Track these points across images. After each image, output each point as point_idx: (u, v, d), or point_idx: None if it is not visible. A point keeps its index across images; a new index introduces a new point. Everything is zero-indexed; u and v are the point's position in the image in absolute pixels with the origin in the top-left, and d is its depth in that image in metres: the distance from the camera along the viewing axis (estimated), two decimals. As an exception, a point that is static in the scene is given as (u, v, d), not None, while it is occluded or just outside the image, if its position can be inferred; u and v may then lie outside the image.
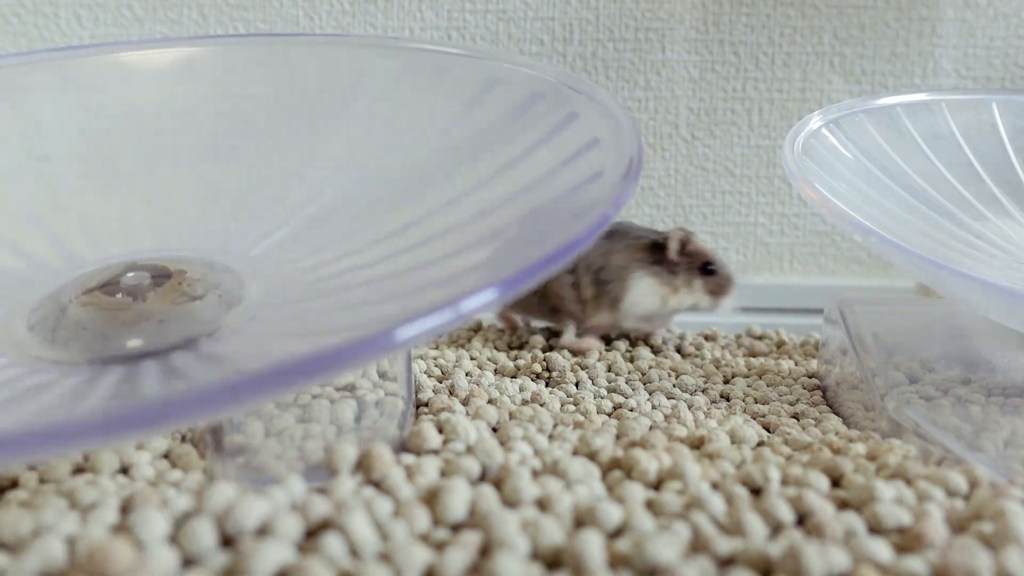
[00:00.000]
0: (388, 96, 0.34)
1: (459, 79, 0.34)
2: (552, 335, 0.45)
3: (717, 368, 0.41)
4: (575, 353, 0.42)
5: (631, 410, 0.33)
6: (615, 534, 0.21)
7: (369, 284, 0.27)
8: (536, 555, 0.20)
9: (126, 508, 0.22)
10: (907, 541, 0.21)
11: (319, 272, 0.28)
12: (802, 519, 0.22)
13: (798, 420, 0.34)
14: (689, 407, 0.34)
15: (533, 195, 0.27)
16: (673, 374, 0.39)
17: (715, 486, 0.24)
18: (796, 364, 0.42)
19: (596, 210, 0.22)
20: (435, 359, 0.39)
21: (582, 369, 0.39)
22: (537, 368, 0.39)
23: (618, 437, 0.29)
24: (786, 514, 0.22)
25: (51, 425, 0.16)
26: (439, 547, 0.20)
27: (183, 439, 0.27)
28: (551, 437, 0.28)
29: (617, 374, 0.39)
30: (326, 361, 0.17)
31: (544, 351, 0.43)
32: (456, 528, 0.21)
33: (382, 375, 0.29)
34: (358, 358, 0.18)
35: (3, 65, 0.34)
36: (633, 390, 0.36)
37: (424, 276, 0.26)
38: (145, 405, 0.16)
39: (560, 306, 0.44)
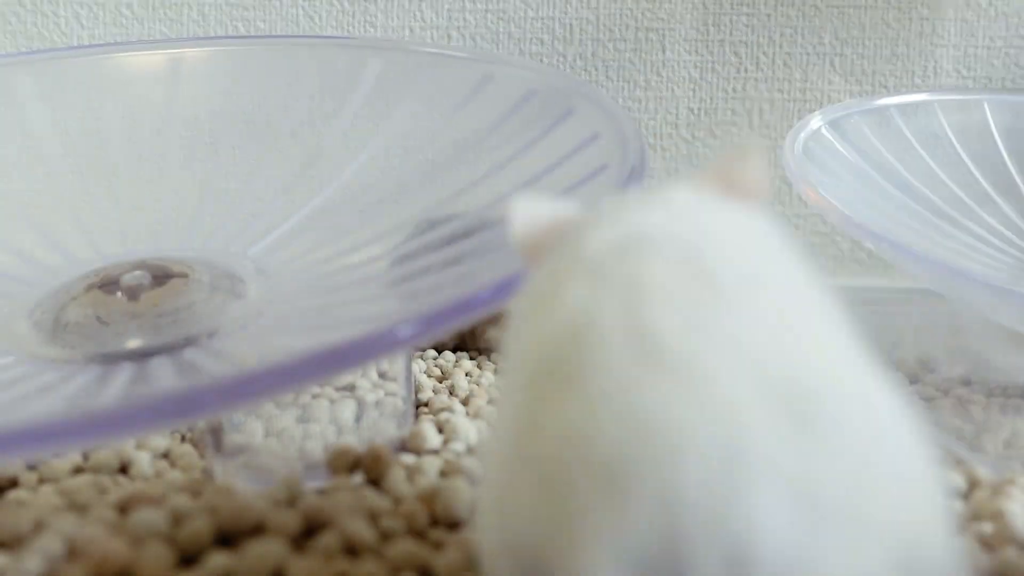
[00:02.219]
0: (388, 97, 0.35)
1: (458, 80, 0.34)
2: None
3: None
4: None
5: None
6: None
7: (370, 281, 0.27)
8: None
9: (125, 507, 0.22)
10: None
11: (319, 270, 0.29)
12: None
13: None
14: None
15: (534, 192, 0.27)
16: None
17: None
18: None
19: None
20: (435, 359, 0.39)
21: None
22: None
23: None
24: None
25: (46, 422, 0.16)
26: (437, 547, 0.20)
27: (183, 439, 0.27)
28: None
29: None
30: (328, 359, 0.17)
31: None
32: (455, 528, 0.21)
33: (382, 375, 0.29)
34: (361, 356, 0.18)
35: (2, 65, 0.34)
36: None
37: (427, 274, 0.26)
38: (139, 403, 0.16)
39: None
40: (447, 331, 0.19)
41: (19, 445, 0.16)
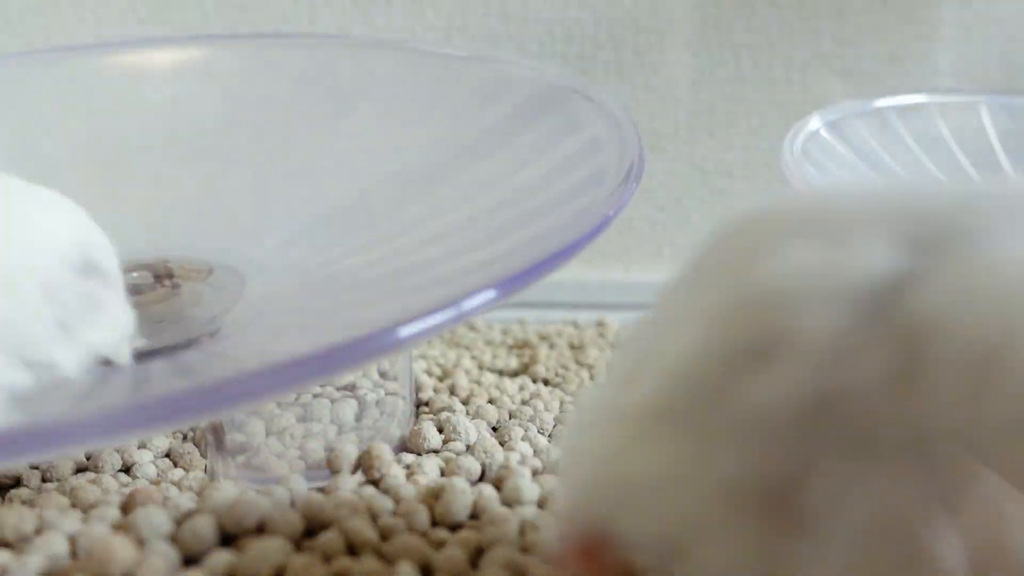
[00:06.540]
0: (390, 98, 0.35)
1: (461, 81, 0.34)
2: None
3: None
4: None
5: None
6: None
7: (371, 283, 0.27)
8: (536, 554, 0.20)
9: (128, 507, 0.22)
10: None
11: (321, 271, 0.29)
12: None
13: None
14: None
15: (535, 196, 0.27)
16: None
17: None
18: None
19: (596, 212, 0.23)
20: (436, 358, 0.40)
21: (582, 368, 0.39)
22: (537, 368, 0.39)
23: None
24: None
25: (52, 424, 0.16)
26: (439, 546, 0.20)
27: (184, 438, 0.28)
28: (551, 436, 0.29)
29: (616, 374, 0.39)
30: (328, 360, 0.17)
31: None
32: (456, 527, 0.22)
33: (383, 374, 0.29)
34: (360, 356, 0.18)
35: (4, 64, 0.34)
36: (632, 390, 0.36)
37: (426, 276, 0.26)
38: (140, 404, 0.16)
39: None
40: (446, 328, 0.19)
41: (19, 447, 0.16)
